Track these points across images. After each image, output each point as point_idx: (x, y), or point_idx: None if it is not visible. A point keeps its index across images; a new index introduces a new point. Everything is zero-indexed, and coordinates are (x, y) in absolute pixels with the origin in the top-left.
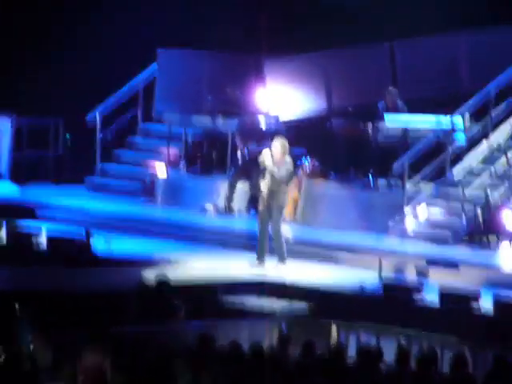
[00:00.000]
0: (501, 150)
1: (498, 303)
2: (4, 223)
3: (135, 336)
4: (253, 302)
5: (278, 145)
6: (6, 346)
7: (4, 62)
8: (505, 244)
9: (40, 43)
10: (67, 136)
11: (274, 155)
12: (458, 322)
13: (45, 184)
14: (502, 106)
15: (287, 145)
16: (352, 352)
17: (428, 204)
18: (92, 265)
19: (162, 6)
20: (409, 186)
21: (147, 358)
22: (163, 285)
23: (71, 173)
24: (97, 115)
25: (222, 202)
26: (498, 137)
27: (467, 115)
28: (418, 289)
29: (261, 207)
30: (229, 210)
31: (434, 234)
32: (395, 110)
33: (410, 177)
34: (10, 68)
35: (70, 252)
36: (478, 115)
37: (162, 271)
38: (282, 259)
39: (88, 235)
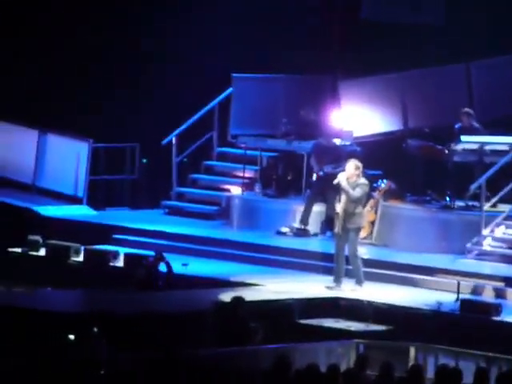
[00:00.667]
0: None
1: None
2: (82, 247)
3: (212, 359)
4: (330, 323)
5: (352, 166)
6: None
7: (82, 88)
8: None
9: (116, 69)
10: (143, 160)
11: (349, 177)
12: None
13: (121, 208)
14: None
15: (361, 166)
16: (430, 374)
17: (506, 225)
18: (168, 287)
19: (237, 31)
20: (486, 206)
21: (225, 381)
22: (240, 307)
23: (147, 197)
24: (173, 140)
25: (297, 224)
26: None
27: None
28: (497, 310)
29: (337, 229)
30: (305, 231)
31: None
32: (471, 130)
33: (487, 198)
34: (87, 94)
35: (147, 275)
36: None
37: (238, 294)
38: (359, 281)
39: (163, 259)
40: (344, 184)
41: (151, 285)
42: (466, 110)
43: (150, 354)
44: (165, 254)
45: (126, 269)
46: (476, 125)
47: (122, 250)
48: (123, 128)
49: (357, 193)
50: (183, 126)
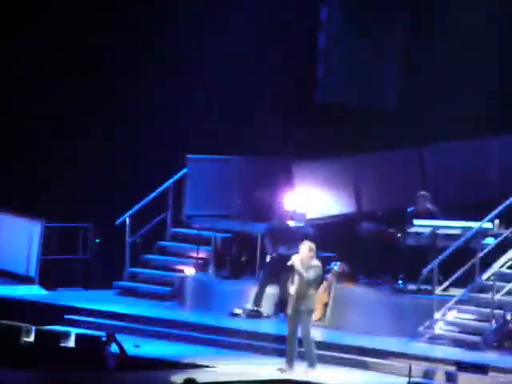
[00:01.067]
0: None
1: None
2: (33, 328)
3: None
4: None
5: (306, 248)
6: None
7: (33, 168)
8: None
9: (68, 149)
10: (96, 241)
11: (303, 258)
12: None
13: (73, 288)
14: None
15: (315, 248)
16: None
17: (458, 309)
18: (120, 368)
19: (191, 112)
20: (438, 290)
21: None
22: None
23: (100, 277)
24: (126, 220)
25: (250, 306)
26: None
27: (497, 220)
28: None
29: (290, 310)
30: (258, 313)
31: (464, 339)
32: (427, 213)
33: (439, 281)
34: (40, 174)
35: (97, 356)
36: (508, 220)
37: (190, 375)
38: (311, 363)
39: (114, 339)
40: (297, 266)
41: (102, 366)
42: (422, 193)
43: None
44: (117, 335)
45: (76, 350)
46: (432, 208)
47: (74, 331)
48: (76, 207)
49: (310, 275)
50: (137, 206)
